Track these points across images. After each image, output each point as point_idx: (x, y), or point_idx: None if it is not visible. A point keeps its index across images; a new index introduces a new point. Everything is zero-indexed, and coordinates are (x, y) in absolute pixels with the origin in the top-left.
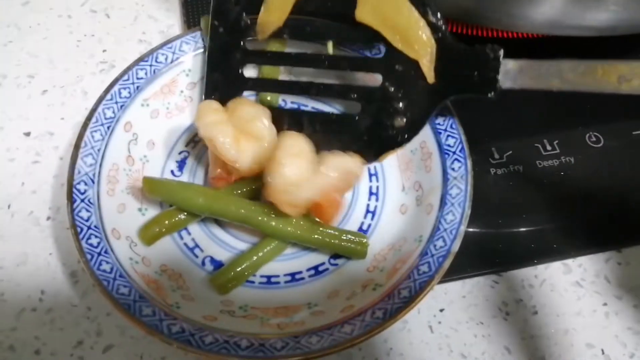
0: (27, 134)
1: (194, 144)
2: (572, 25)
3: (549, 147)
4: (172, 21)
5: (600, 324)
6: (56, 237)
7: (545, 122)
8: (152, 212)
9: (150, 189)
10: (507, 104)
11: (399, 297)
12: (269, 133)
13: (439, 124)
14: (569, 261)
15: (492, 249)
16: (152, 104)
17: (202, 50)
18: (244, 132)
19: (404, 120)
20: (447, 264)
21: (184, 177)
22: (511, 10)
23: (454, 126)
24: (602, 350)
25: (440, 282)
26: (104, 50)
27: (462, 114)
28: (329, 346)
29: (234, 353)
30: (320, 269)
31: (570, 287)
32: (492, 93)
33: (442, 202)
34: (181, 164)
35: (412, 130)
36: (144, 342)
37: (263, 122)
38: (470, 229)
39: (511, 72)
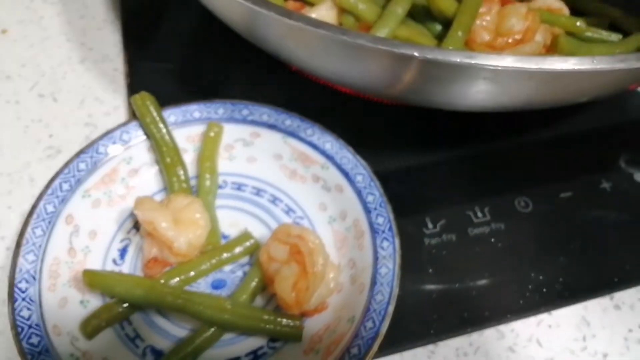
0: None
1: (135, 230)
2: (507, 107)
3: (480, 214)
4: (117, 102)
5: None
6: (1, 330)
7: (476, 189)
8: (94, 303)
9: (91, 282)
10: (438, 172)
11: None
12: (202, 218)
13: (369, 202)
14: (502, 327)
15: (427, 320)
16: (94, 194)
17: (142, 138)
18: (179, 219)
19: None
20: (376, 345)
21: (126, 265)
22: (435, 98)
23: (382, 204)
24: None
25: (379, 356)
26: (51, 136)
27: (395, 186)
28: None
29: None
30: (259, 352)
31: (504, 352)
32: None
33: (373, 282)
34: (122, 252)
35: None
36: None
37: (196, 209)
38: (405, 301)
39: None
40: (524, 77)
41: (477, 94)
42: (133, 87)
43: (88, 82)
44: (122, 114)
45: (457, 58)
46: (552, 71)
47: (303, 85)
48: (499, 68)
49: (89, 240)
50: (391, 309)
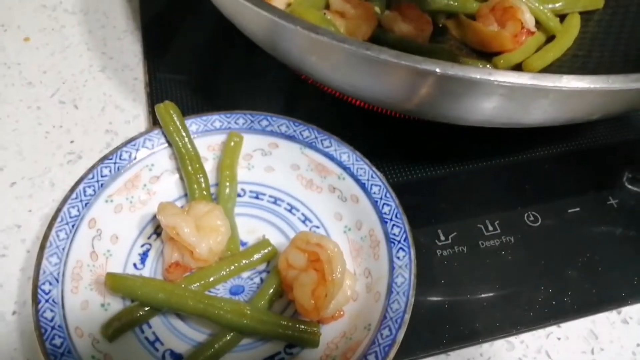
0: None
1: (156, 236)
2: (511, 123)
3: (490, 228)
4: (137, 111)
5: None
6: (21, 331)
7: (487, 203)
8: (114, 306)
9: (113, 285)
10: (450, 186)
11: None
12: (223, 225)
13: (385, 213)
14: (512, 338)
15: (439, 329)
16: (116, 199)
17: (164, 145)
18: (200, 226)
19: None
20: (392, 353)
21: (146, 270)
22: (447, 113)
23: (398, 215)
24: None
25: None
26: (72, 141)
27: (409, 198)
28: None
29: None
30: (276, 358)
31: None
32: None
33: (389, 291)
34: (143, 257)
35: None
36: None
37: (217, 216)
38: (418, 310)
39: None
40: (539, 95)
41: (493, 110)
42: (153, 97)
43: (109, 91)
44: (142, 123)
45: (477, 75)
46: (567, 89)
47: (320, 97)
48: (517, 85)
49: (110, 245)
50: (407, 317)
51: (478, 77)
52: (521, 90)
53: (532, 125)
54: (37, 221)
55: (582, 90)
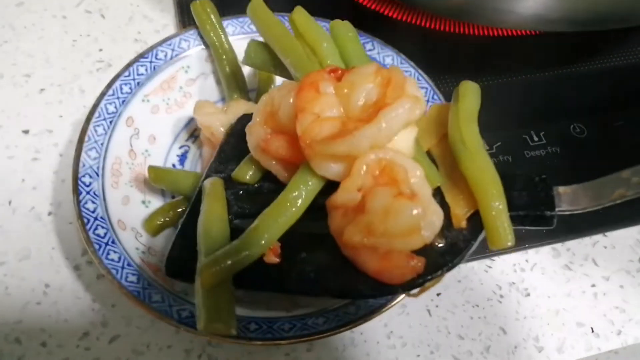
0: (26, 132)
1: (194, 138)
2: (558, 20)
3: (535, 138)
4: (166, 21)
5: (589, 303)
6: (58, 231)
7: (532, 115)
8: (155, 204)
9: (155, 178)
10: (494, 96)
11: None
12: None
13: None
14: (558, 245)
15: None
16: (153, 100)
17: (200, 47)
18: None
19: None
20: None
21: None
22: (497, 5)
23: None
24: (592, 329)
25: None
26: (100, 50)
27: None
28: (335, 326)
29: (243, 335)
30: None
31: (560, 269)
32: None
33: None
34: (182, 158)
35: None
36: (150, 331)
37: None
38: None
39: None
40: None
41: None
42: (182, 7)
43: (135, 1)
44: (171, 32)
45: None
46: None
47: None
48: None
49: (148, 144)
50: None
51: None
52: None
53: (582, 25)
54: (69, 126)
55: None
